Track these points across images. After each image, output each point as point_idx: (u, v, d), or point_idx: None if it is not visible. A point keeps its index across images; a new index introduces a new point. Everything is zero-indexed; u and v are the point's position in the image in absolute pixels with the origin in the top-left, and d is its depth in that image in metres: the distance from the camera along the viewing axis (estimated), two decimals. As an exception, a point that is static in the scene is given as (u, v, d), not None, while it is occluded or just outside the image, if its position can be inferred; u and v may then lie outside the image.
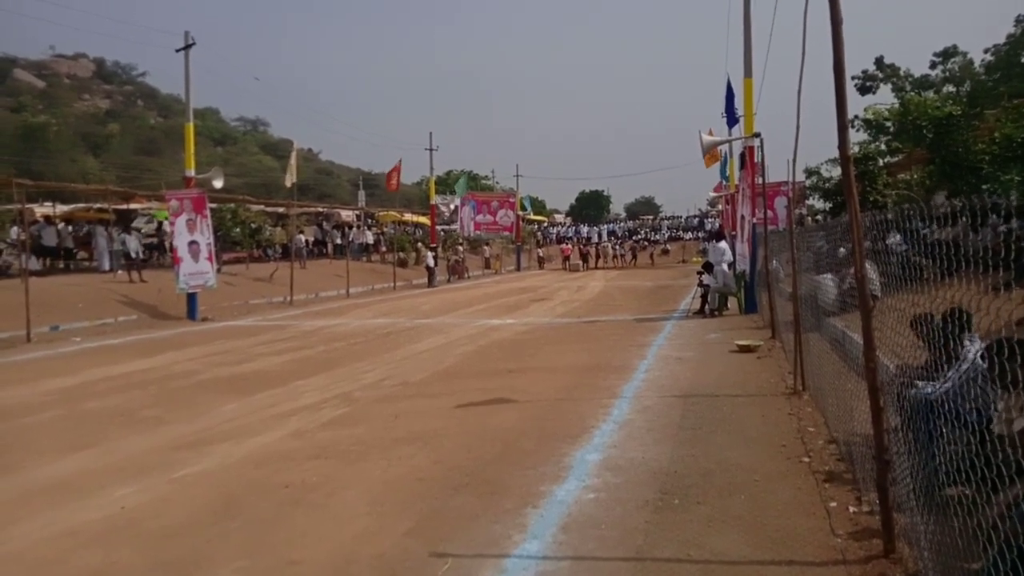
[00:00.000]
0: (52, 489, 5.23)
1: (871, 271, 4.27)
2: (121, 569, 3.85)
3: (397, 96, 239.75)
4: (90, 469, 5.69)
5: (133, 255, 21.34)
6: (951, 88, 26.40)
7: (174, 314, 18.20)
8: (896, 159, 26.65)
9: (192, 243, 18.08)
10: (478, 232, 42.18)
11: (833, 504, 4.24)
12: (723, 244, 15.92)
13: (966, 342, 3.87)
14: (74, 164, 65.28)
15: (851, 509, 4.14)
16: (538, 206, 66.95)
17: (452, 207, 44.69)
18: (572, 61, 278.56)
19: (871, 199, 21.34)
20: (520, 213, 45.79)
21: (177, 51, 19.57)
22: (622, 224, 64.84)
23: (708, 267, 15.30)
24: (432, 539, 4.01)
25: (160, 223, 26.75)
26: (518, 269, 44.49)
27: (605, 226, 61.86)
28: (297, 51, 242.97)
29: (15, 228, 21.95)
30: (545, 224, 65.25)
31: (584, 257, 44.03)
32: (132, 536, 4.28)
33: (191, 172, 19.88)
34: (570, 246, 46.87)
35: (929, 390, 3.89)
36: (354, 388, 8.61)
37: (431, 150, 38.17)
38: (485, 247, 43.75)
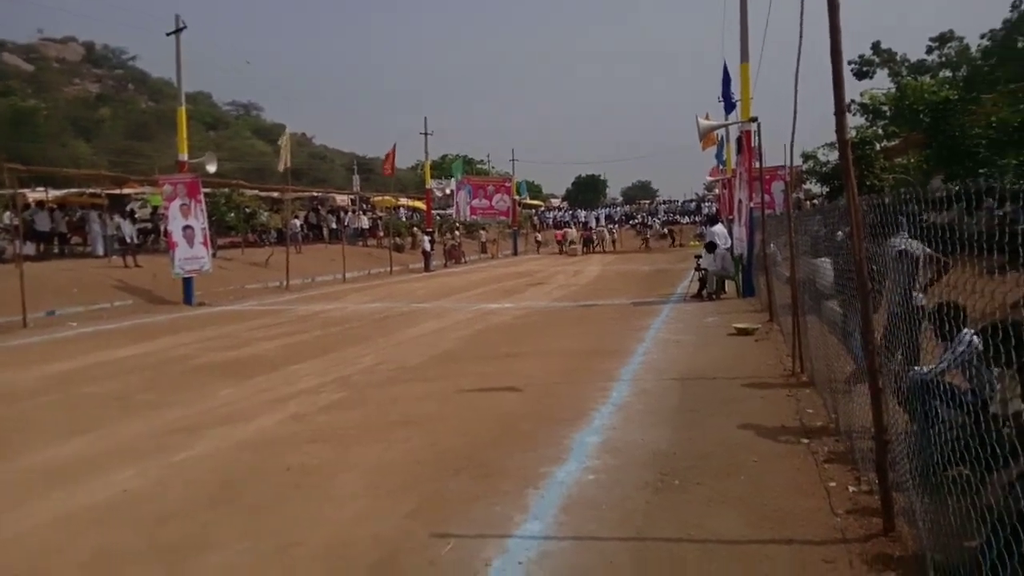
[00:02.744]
0: (51, 473, 5.23)
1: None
2: (122, 552, 3.86)
3: (392, 80, 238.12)
4: (88, 453, 5.69)
5: (128, 240, 21.23)
6: (948, 73, 26.39)
7: (170, 299, 18.16)
8: (893, 143, 26.69)
9: (187, 228, 17.99)
10: (474, 217, 42.00)
11: (832, 484, 4.27)
12: (718, 227, 15.92)
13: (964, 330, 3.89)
14: (65, 149, 64.59)
15: (850, 489, 4.17)
16: (534, 191, 66.71)
17: (447, 191, 44.47)
18: (569, 45, 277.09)
19: (868, 183, 21.37)
20: (516, 198, 45.64)
21: (168, 35, 19.31)
22: (619, 208, 64.80)
23: (711, 247, 15.20)
24: (433, 520, 4.03)
25: (155, 208, 26.59)
26: (515, 254, 44.38)
27: (602, 210, 61.82)
28: (289, 35, 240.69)
29: (8, 213, 21.80)
30: (542, 209, 65.10)
31: (587, 242, 43.93)
32: (132, 520, 4.29)
33: (184, 157, 19.71)
34: (565, 230, 46.76)
35: (925, 371, 3.91)
36: (351, 372, 8.62)
37: (426, 134, 37.92)
38: (482, 232, 43.63)
